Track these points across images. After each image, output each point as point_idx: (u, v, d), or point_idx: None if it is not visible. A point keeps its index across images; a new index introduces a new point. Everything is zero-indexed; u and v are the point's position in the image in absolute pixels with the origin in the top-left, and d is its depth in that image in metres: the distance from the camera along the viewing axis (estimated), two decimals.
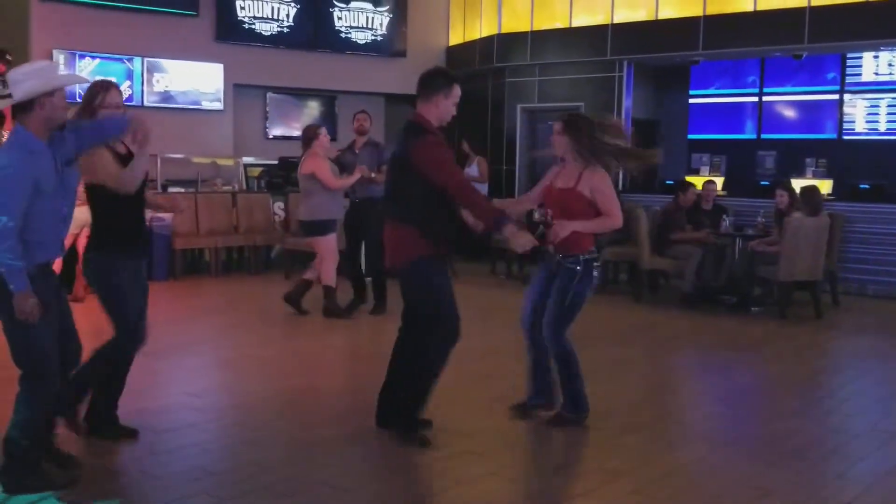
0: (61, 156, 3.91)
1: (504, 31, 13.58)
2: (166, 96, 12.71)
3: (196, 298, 9.69)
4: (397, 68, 14.43)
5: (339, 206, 8.51)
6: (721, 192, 11.10)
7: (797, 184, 10.01)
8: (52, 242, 3.97)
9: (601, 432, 4.88)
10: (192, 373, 6.50)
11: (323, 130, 8.70)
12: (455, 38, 14.90)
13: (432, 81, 4.73)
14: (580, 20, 12.87)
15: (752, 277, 9.23)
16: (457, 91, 4.73)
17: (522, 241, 4.51)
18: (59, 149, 3.90)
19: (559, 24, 13.08)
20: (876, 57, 12.20)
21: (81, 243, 8.73)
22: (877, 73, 12.27)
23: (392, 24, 14.45)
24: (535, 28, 13.26)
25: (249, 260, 11.64)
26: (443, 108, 4.70)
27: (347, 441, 4.81)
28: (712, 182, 10.49)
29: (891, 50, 11.76)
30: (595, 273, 4.95)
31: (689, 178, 11.09)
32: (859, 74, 12.39)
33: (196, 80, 12.91)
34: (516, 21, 13.50)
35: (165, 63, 12.67)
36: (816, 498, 4.16)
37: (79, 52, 11.97)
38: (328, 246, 8.35)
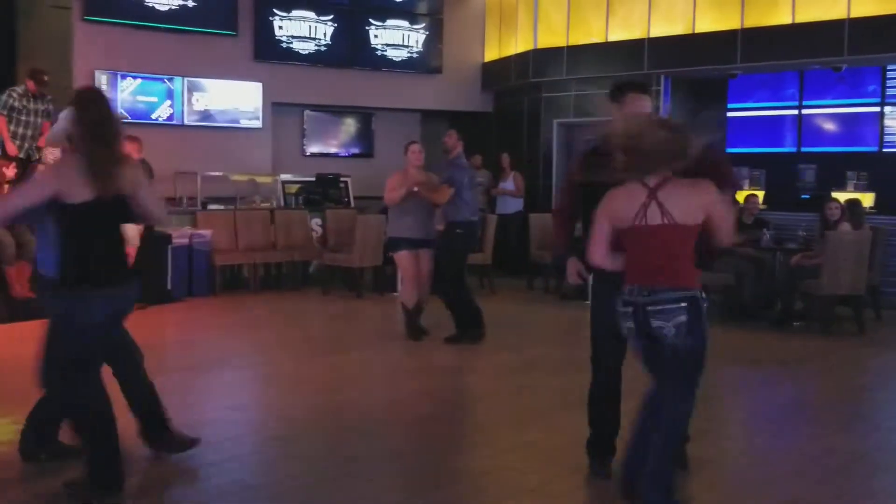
0: None
1: (540, 46, 13.59)
2: (206, 115, 12.88)
3: (235, 314, 9.77)
4: (434, 85, 14.49)
5: (413, 224, 7.90)
6: (762, 206, 10.99)
7: (839, 197, 9.87)
8: None
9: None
10: (232, 387, 6.55)
11: (412, 146, 8.33)
12: (491, 54, 14.94)
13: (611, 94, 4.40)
14: (616, 35, 12.84)
15: (794, 291, 9.12)
16: (631, 100, 4.27)
17: None
18: None
19: (595, 38, 13.05)
20: None
21: None
22: None
23: (428, 42, 14.52)
24: (571, 43, 13.25)
25: (288, 276, 11.73)
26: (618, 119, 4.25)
27: (385, 457, 4.82)
28: (754, 195, 10.40)
29: None
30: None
31: None
32: None
33: (235, 98, 13.07)
34: (552, 36, 13.51)
35: (205, 82, 12.85)
36: None
37: (120, 73, 12.18)
38: (399, 263, 8.13)
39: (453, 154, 7.95)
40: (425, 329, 7.95)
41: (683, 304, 3.70)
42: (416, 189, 7.87)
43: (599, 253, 3.91)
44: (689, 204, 3.71)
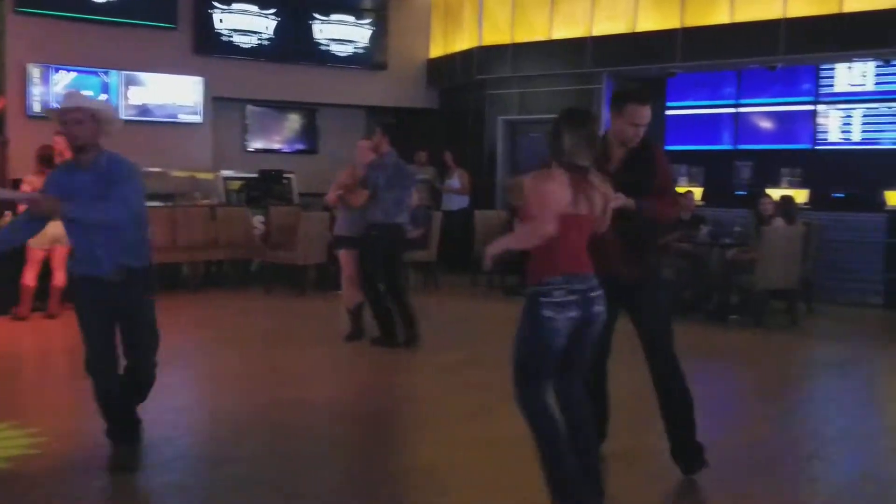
0: None
1: (485, 43, 13.64)
2: (144, 110, 12.69)
3: (175, 314, 9.62)
4: (379, 81, 14.47)
5: (354, 223, 7.72)
6: (699, 202, 11.18)
7: (773, 193, 10.10)
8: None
9: None
10: (171, 388, 6.46)
11: (359, 142, 8.19)
12: (436, 51, 14.96)
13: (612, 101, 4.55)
14: (560, 33, 12.95)
15: (729, 286, 9.30)
16: (631, 110, 4.38)
17: None
18: None
19: (539, 36, 13.15)
20: (849, 68, 12.31)
21: (56, 259, 8.67)
22: (850, 84, 12.40)
23: (373, 37, 14.48)
24: (516, 41, 13.33)
25: (229, 274, 11.61)
26: (616, 126, 4.43)
27: (328, 455, 4.81)
28: (691, 192, 10.58)
29: (864, 61, 11.89)
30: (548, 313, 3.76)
31: None
32: (832, 85, 12.51)
33: (174, 93, 12.90)
34: (497, 34, 13.57)
35: (143, 76, 12.66)
36: (793, 501, 4.20)
37: (54, 66, 11.94)
38: (341, 261, 7.98)
39: (379, 153, 7.72)
40: (363, 330, 7.78)
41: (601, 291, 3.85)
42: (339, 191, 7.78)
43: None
44: (602, 196, 3.88)
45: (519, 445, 4.61)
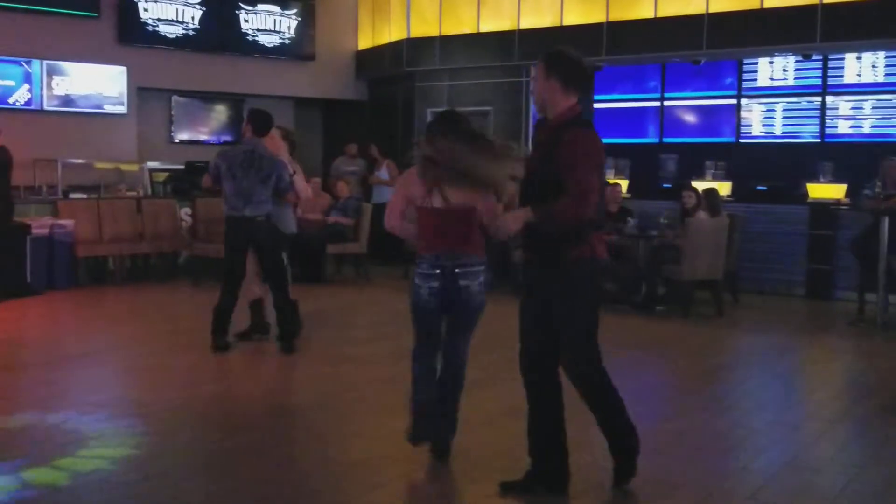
0: None
1: (413, 35, 13.63)
2: (67, 100, 12.36)
3: (99, 307, 9.44)
4: (306, 72, 14.34)
5: None
6: (625, 195, 11.36)
7: (698, 186, 10.30)
8: None
9: (508, 432, 4.93)
10: (95, 382, 6.34)
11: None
12: (364, 42, 14.88)
13: None
14: (487, 25, 13.01)
15: (656, 277, 9.47)
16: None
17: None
18: None
19: (467, 29, 13.19)
20: (771, 63, 12.64)
21: None
22: (772, 79, 12.72)
23: (300, 28, 14.34)
24: (444, 33, 13.35)
25: (156, 267, 11.40)
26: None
27: (252, 450, 4.76)
28: (617, 185, 10.73)
29: (785, 56, 12.21)
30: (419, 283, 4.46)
31: None
32: (755, 80, 12.82)
33: (98, 83, 12.59)
34: (425, 26, 13.57)
35: (66, 66, 12.32)
36: (721, 490, 4.29)
37: None
38: None
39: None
40: (267, 326, 7.52)
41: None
42: None
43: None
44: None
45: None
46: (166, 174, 12.65)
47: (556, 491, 4.17)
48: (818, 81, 12.31)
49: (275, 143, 7.24)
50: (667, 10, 11.48)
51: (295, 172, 7.25)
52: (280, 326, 7.13)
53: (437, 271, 4.38)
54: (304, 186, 7.44)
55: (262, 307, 7.51)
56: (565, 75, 4.06)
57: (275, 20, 14.13)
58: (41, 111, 12.10)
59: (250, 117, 7.24)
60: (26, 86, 11.98)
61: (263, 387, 6.26)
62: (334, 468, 4.54)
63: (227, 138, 14.47)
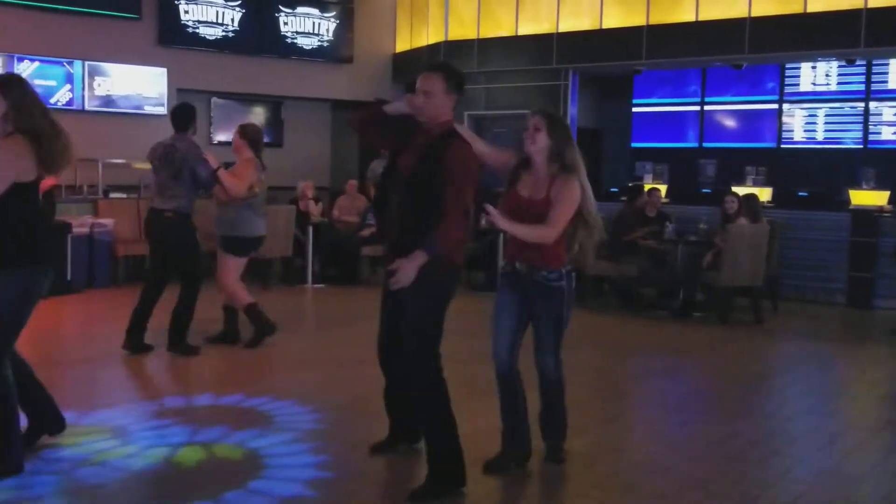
0: None
1: (451, 38, 13.63)
2: (108, 100, 12.51)
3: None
4: (344, 74, 14.39)
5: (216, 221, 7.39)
6: (664, 200, 11.27)
7: (738, 191, 10.19)
8: None
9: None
10: (130, 380, 6.38)
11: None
12: (402, 45, 14.91)
13: None
14: (526, 28, 12.97)
15: (694, 283, 9.37)
16: (420, 77, 4.26)
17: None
18: None
19: (505, 32, 13.17)
20: (814, 67, 12.49)
21: None
22: (814, 84, 12.57)
23: (339, 30, 14.41)
24: (482, 36, 13.34)
25: None
26: None
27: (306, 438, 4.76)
28: (657, 189, 10.64)
29: (828, 61, 12.05)
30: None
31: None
32: (797, 84, 12.67)
33: (139, 84, 12.74)
34: (463, 29, 13.57)
35: (107, 67, 12.48)
36: (763, 498, 4.23)
37: (17, 55, 11.72)
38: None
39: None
40: (269, 326, 7.31)
41: None
42: None
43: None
44: None
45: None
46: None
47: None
48: (861, 87, 12.15)
49: (235, 142, 7.16)
50: (708, 14, 11.37)
51: (220, 167, 6.81)
52: (171, 330, 6.84)
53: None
54: (232, 183, 6.84)
55: (235, 314, 7.33)
56: (460, 92, 4.25)
57: (314, 23, 14.20)
58: (82, 111, 12.25)
59: (171, 113, 7.10)
60: (68, 86, 12.15)
61: (317, 380, 6.25)
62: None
63: (264, 140, 14.54)
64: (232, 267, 7.13)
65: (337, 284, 10.91)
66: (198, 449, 4.66)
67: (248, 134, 7.19)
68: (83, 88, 12.27)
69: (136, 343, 6.82)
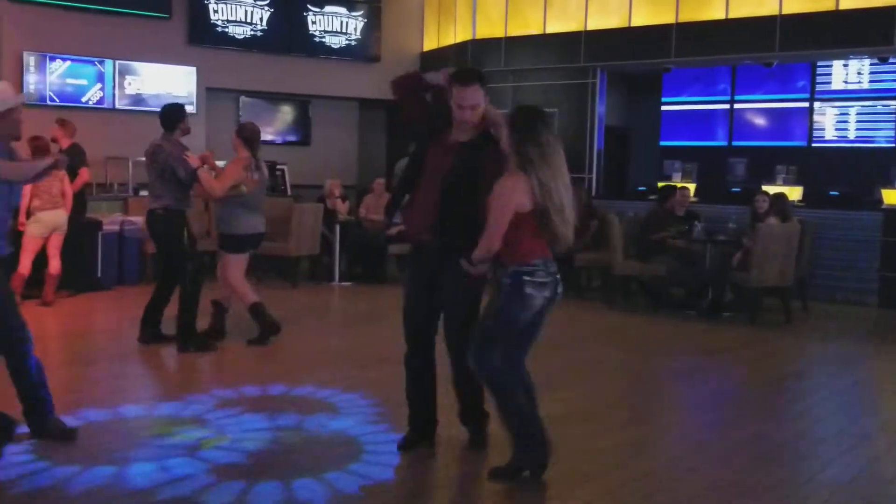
0: None
1: (478, 36, 13.62)
2: (138, 99, 12.62)
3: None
4: (372, 73, 14.41)
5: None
6: (693, 199, 11.19)
7: (768, 190, 10.09)
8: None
9: (573, 436, 4.88)
10: (163, 376, 6.43)
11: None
12: (429, 44, 14.92)
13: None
14: (554, 27, 12.93)
15: (723, 283, 9.29)
16: (456, 91, 4.26)
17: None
18: None
19: (533, 30, 13.13)
20: (845, 65, 12.35)
21: (52, 246, 8.65)
22: (846, 82, 12.43)
23: (366, 29, 14.44)
24: (510, 34, 13.31)
25: None
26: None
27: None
28: (685, 188, 10.56)
29: (860, 59, 11.91)
30: (532, 291, 4.07)
31: (660, 184, 11.16)
32: (829, 83, 12.54)
33: (168, 83, 12.84)
34: (490, 27, 13.54)
35: (137, 66, 12.59)
36: (792, 500, 4.19)
37: (49, 55, 11.86)
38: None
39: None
40: (274, 325, 7.34)
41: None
42: None
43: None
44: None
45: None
46: None
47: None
48: (894, 85, 11.99)
49: (233, 141, 7.25)
50: (738, 12, 11.27)
51: (200, 167, 6.88)
52: (142, 320, 7.09)
53: (551, 279, 4.11)
54: (208, 183, 6.86)
55: (223, 311, 7.36)
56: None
57: (341, 21, 14.24)
58: (113, 110, 12.37)
59: (159, 114, 7.17)
60: (98, 85, 12.27)
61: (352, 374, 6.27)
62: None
63: (292, 138, 14.65)
64: (232, 264, 7.19)
65: (363, 282, 10.95)
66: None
67: (242, 133, 7.25)
68: (114, 87, 12.39)
69: (147, 334, 7.05)
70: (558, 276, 4.19)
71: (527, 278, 4.05)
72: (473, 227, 4.13)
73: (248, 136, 7.20)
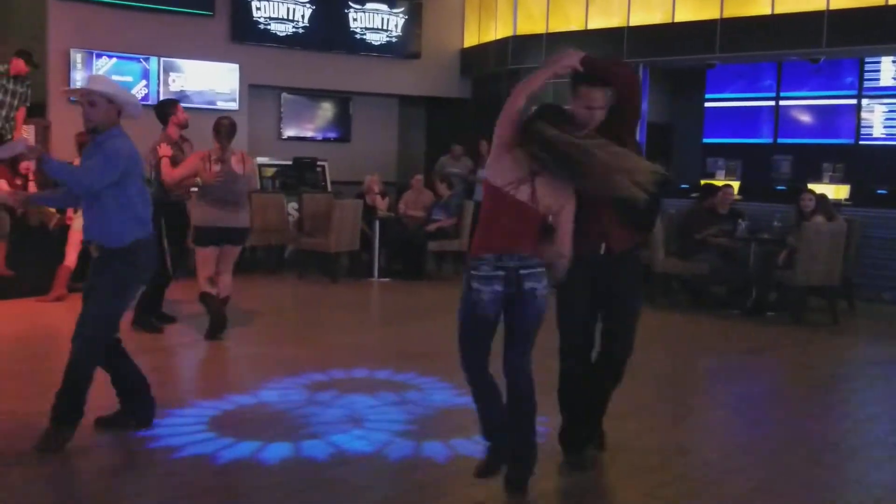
0: None
1: (519, 32, 13.56)
2: (182, 96, 12.72)
3: None
4: (412, 70, 14.43)
5: None
6: (737, 197, 11.04)
7: (814, 189, 9.92)
8: None
9: (615, 434, 4.83)
10: (203, 368, 6.49)
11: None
12: (470, 40, 14.89)
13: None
14: (596, 22, 12.83)
15: (768, 282, 9.16)
16: (584, 91, 4.09)
17: None
18: None
19: (574, 26, 13.04)
20: (895, 62, 12.10)
21: None
22: (895, 79, 12.18)
23: (407, 26, 14.45)
24: (551, 30, 13.23)
25: (263, 260, 11.64)
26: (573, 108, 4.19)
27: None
28: (729, 186, 10.42)
29: None
30: (479, 287, 3.87)
31: (704, 182, 11.02)
32: (877, 79, 12.30)
33: (211, 79, 12.95)
34: (531, 23, 13.48)
35: (181, 63, 12.72)
36: (840, 502, 4.11)
37: (96, 52, 12.03)
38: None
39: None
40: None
41: None
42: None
43: None
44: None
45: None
46: (274, 169, 12.92)
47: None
48: None
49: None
50: (784, 7, 11.10)
51: (162, 157, 7.19)
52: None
53: (502, 273, 3.88)
54: (164, 171, 7.21)
55: (214, 301, 7.29)
56: None
57: (382, 18, 14.26)
58: None
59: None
60: (143, 82, 12.42)
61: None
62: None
63: (332, 135, 14.71)
64: (196, 254, 7.24)
65: (402, 279, 10.96)
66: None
67: (214, 125, 7.39)
68: (158, 84, 12.53)
69: (143, 322, 7.23)
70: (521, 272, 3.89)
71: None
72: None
73: (215, 128, 7.33)
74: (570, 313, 4.26)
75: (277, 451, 4.49)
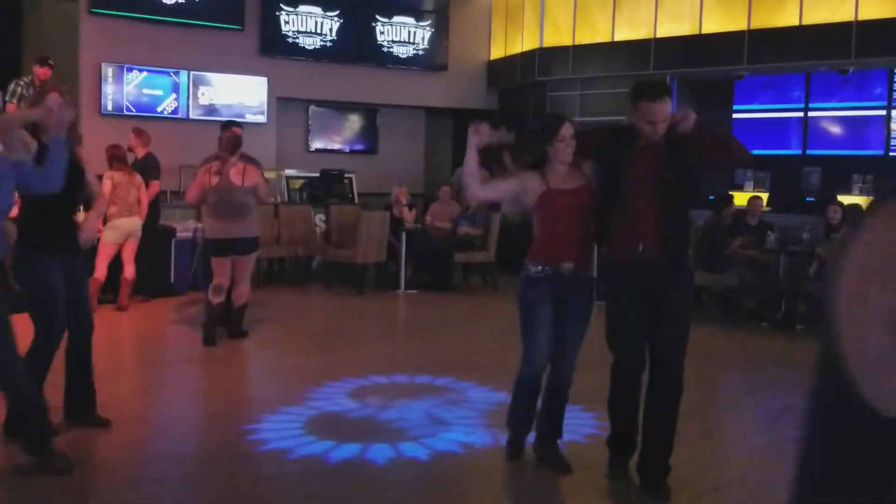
0: None
1: (546, 45, 13.57)
2: (211, 109, 12.87)
3: None
4: (439, 82, 14.48)
5: None
6: (766, 208, 10.97)
7: (843, 200, 9.85)
8: None
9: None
10: (224, 381, 6.54)
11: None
12: (496, 52, 14.92)
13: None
14: (623, 34, 12.82)
15: (797, 294, 9.09)
16: (644, 107, 4.22)
17: None
18: None
19: (601, 38, 13.03)
20: None
21: (127, 252, 8.87)
22: None
23: (434, 39, 14.50)
24: (577, 42, 13.23)
25: (290, 271, 11.72)
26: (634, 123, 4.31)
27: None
28: (758, 198, 10.36)
29: None
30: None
31: (733, 193, 10.94)
32: None
33: (240, 93, 13.07)
34: (558, 35, 13.49)
35: (210, 76, 12.84)
36: None
37: (126, 66, 12.18)
38: None
39: None
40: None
41: None
42: None
43: None
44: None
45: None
46: (302, 181, 13.01)
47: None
48: None
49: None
50: (812, 18, 11.03)
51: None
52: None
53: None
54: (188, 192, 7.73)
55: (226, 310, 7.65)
56: None
57: (409, 31, 14.33)
58: (187, 119, 12.64)
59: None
60: (173, 95, 12.55)
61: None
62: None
63: (359, 147, 14.79)
64: (212, 263, 7.48)
65: (429, 290, 10.98)
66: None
67: (218, 139, 7.80)
68: (188, 97, 12.66)
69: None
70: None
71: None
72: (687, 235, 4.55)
73: (218, 141, 7.76)
74: (621, 316, 4.30)
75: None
